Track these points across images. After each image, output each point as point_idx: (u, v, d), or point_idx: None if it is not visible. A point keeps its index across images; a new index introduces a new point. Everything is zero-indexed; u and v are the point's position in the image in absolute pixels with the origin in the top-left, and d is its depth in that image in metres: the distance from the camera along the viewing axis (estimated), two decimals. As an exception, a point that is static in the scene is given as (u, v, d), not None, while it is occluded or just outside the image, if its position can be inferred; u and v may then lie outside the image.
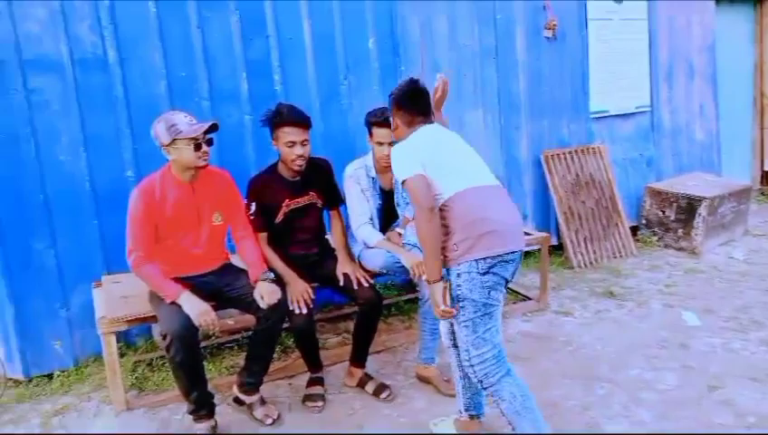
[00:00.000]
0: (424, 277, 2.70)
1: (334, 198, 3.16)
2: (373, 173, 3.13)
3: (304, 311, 2.79)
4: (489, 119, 4.70)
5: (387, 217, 3.22)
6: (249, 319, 2.96)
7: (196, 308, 2.55)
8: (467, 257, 2.20)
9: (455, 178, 2.33)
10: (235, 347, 3.57)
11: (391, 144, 2.87)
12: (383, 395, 2.98)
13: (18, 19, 3.11)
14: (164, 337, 2.55)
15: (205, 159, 2.62)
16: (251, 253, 2.85)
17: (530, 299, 4.02)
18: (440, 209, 2.27)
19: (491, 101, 4.69)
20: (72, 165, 3.30)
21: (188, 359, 2.56)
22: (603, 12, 5.15)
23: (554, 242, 4.86)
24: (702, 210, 4.83)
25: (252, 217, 2.93)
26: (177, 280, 2.67)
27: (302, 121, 2.83)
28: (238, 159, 3.63)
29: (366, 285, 2.91)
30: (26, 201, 3.21)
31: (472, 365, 2.28)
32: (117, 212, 3.37)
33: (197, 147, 2.58)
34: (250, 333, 3.07)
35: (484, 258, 2.19)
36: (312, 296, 2.85)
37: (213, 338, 3.60)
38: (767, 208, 6.29)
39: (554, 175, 4.87)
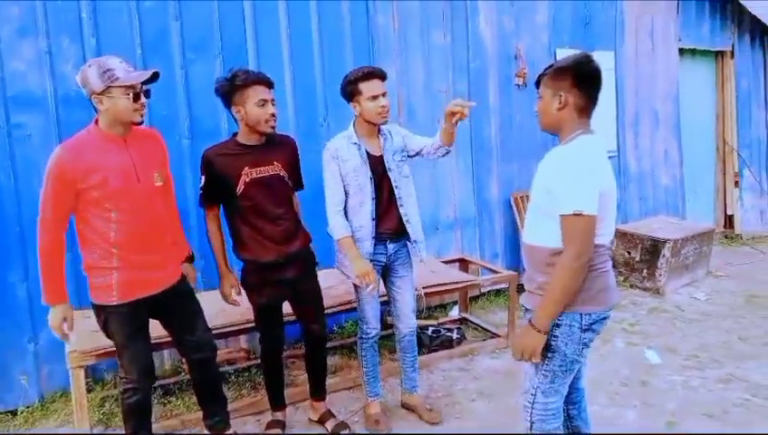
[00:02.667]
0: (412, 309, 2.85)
1: (297, 180, 2.91)
2: (356, 139, 2.85)
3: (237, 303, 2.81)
4: (462, 161, 4.87)
5: (381, 187, 2.87)
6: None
7: (57, 320, 2.34)
8: (575, 309, 1.97)
9: (610, 224, 2.01)
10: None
11: (386, 95, 2.76)
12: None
13: (6, 58, 3.21)
14: (124, 378, 2.47)
15: (142, 114, 2.33)
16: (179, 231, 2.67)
17: (498, 336, 4.11)
18: None
19: (464, 144, 4.87)
20: (50, 199, 3.35)
21: (144, 402, 2.52)
22: (571, 62, 5.41)
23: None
24: (666, 252, 5.01)
25: (200, 191, 2.72)
26: (138, 302, 2.39)
27: (269, 79, 2.65)
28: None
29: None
30: (3, 234, 3.25)
31: (533, 408, 2.11)
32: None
33: (135, 97, 2.27)
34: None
35: (590, 314, 1.98)
36: (239, 293, 2.80)
37: (182, 374, 3.61)
38: (730, 251, 6.52)
39: (524, 216, 5.02)
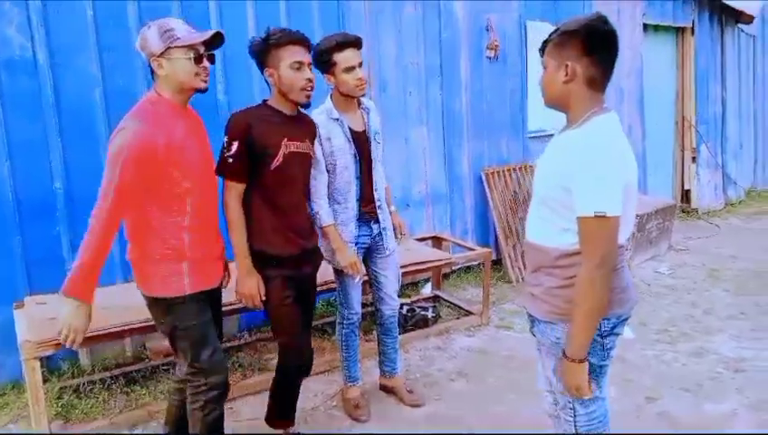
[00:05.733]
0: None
1: None
2: (336, 114, 2.65)
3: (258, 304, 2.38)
4: (433, 136, 4.75)
5: (365, 166, 2.72)
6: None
7: (76, 320, 1.95)
8: None
9: (631, 219, 1.77)
10: (171, 370, 3.39)
11: (361, 65, 2.59)
12: None
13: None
14: (203, 385, 2.18)
15: (204, 79, 2.07)
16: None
17: (472, 314, 4.07)
18: (577, 253, 1.68)
19: (435, 118, 4.75)
20: (-6, 175, 3.06)
21: (222, 414, 2.28)
22: (542, 35, 5.33)
23: (494, 257, 4.95)
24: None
25: (230, 160, 2.24)
26: (205, 294, 2.15)
27: (307, 40, 2.34)
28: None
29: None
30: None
31: (577, 423, 1.89)
32: (43, 227, 3.18)
33: (198, 60, 2.03)
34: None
35: (608, 318, 1.73)
36: (262, 297, 2.35)
37: (146, 361, 3.41)
38: (687, 225, 6.69)
39: (494, 191, 4.98)
